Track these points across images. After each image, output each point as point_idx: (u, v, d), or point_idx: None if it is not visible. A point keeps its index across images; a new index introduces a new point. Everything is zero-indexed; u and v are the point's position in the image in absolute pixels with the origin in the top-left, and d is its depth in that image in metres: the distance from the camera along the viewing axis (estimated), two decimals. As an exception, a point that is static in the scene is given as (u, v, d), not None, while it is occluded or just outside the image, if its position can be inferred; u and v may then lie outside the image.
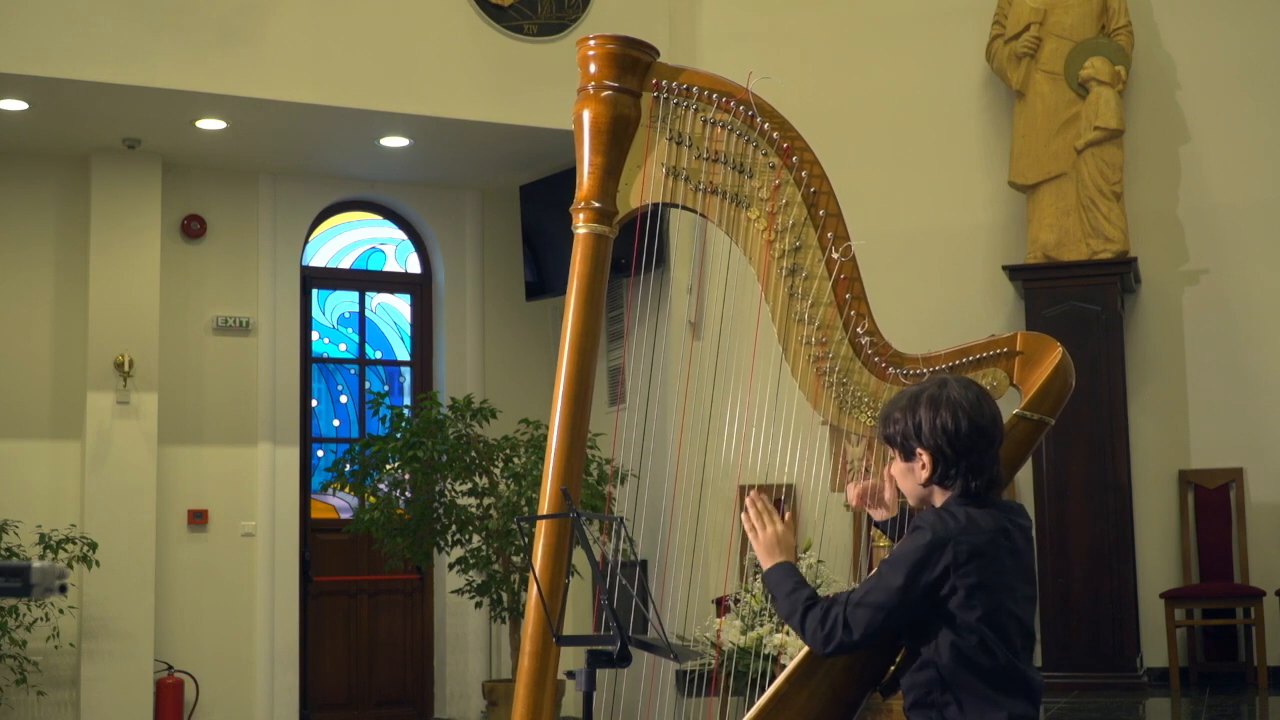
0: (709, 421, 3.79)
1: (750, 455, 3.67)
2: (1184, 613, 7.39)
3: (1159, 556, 7.61)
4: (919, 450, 2.69)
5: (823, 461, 3.44)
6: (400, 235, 9.34)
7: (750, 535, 2.88)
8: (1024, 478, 7.49)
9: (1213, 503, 7.55)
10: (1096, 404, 7.30)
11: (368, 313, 9.28)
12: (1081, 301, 7.46)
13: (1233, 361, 7.67)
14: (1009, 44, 7.85)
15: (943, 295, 7.89)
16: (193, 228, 8.49)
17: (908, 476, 2.74)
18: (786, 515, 2.91)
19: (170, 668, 8.11)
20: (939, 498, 2.71)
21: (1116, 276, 7.48)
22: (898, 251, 7.92)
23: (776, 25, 8.39)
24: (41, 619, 7.51)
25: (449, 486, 7.32)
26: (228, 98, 7.40)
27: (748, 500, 2.92)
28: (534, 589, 3.19)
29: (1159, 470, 7.66)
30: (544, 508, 3.21)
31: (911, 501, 2.79)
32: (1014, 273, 7.68)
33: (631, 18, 7.98)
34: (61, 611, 7.59)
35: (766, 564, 2.84)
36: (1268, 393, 7.60)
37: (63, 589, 1.93)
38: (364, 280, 9.29)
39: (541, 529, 3.21)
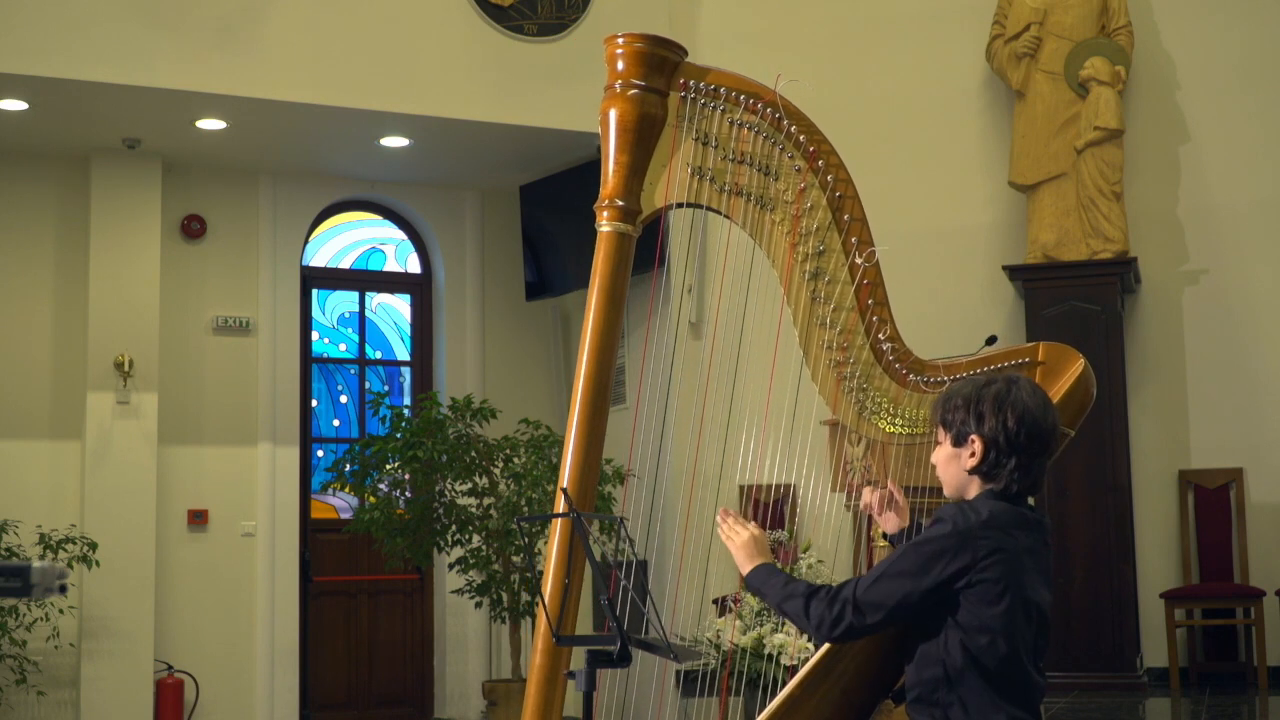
0: (711, 422, 3.78)
1: (751, 456, 3.66)
2: (1184, 613, 7.39)
3: (1159, 556, 7.60)
4: (972, 437, 2.66)
5: (823, 462, 3.44)
6: (400, 235, 9.34)
7: (728, 543, 2.87)
8: (1024, 478, 7.48)
9: (1213, 503, 7.55)
10: (1097, 404, 7.20)
11: (368, 313, 9.27)
12: (1081, 301, 7.45)
13: (1233, 361, 7.67)
14: (1009, 44, 7.85)
15: (943, 295, 7.88)
16: (193, 228, 8.48)
17: (952, 462, 2.71)
18: (754, 523, 2.92)
19: (170, 668, 8.10)
20: (975, 491, 2.69)
21: (1116, 276, 7.48)
22: (897, 251, 7.85)
23: (776, 25, 8.38)
24: (41, 619, 7.50)
25: (449, 486, 7.32)
26: (228, 98, 7.40)
27: (719, 517, 2.91)
28: (546, 588, 3.19)
29: (1159, 470, 7.66)
30: (559, 507, 3.21)
31: (948, 491, 2.75)
32: (1014, 273, 7.68)
33: (631, 18, 7.96)
34: (61, 611, 7.58)
35: (746, 567, 2.83)
36: (1268, 393, 7.60)
37: (63, 589, 1.93)
38: (364, 280, 9.29)
39: (555, 529, 3.20)
